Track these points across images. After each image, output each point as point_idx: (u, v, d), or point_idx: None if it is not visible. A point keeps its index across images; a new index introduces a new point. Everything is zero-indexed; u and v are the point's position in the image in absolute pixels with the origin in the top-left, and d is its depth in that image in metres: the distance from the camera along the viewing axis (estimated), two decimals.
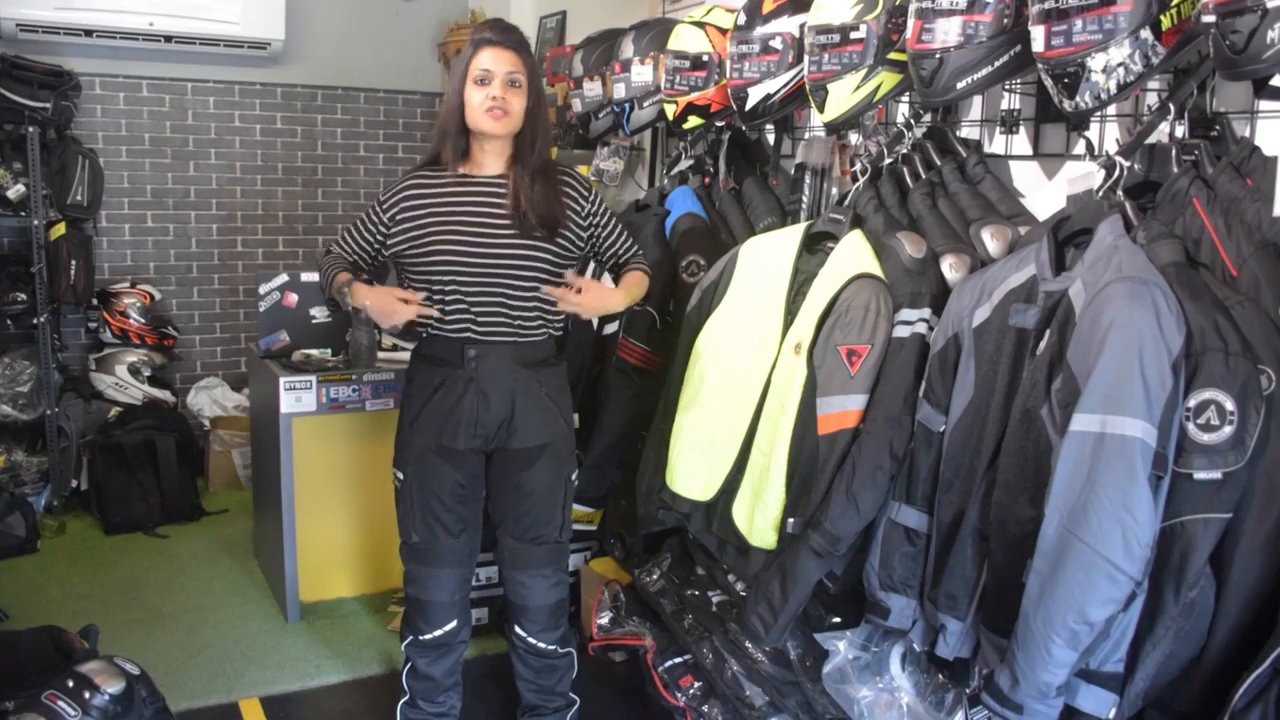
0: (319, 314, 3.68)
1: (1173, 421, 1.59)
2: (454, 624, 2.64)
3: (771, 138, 3.11)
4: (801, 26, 2.42)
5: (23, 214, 4.33)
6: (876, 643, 2.31)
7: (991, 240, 2.10)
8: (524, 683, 2.73)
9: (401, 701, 2.73)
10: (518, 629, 2.66)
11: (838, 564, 2.17)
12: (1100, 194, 1.93)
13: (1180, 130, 1.85)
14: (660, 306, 2.99)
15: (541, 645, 2.66)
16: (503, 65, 2.38)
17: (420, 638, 2.64)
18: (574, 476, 2.63)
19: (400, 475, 2.58)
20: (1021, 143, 2.32)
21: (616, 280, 2.64)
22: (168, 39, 4.76)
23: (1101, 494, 1.58)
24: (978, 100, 2.39)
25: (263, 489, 3.89)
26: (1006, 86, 2.17)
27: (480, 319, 2.45)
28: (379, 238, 2.55)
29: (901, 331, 2.10)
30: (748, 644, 2.57)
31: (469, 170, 2.49)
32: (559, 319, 2.58)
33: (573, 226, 2.50)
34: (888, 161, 2.46)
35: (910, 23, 2.03)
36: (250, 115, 5.23)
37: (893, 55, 2.20)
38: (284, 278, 3.65)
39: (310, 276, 3.67)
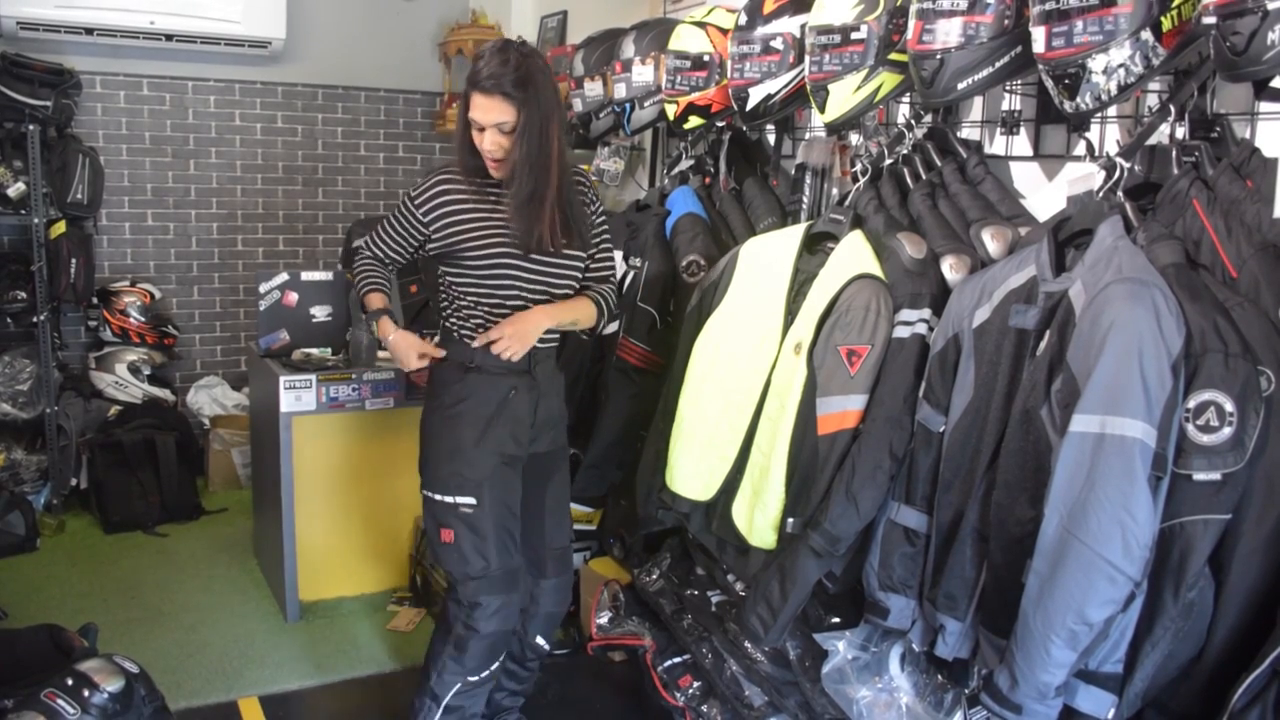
0: (319, 313, 3.68)
1: (1172, 422, 1.59)
2: (504, 652, 2.58)
3: (772, 138, 3.11)
4: (802, 27, 2.43)
5: (23, 212, 4.33)
6: (876, 643, 2.32)
7: (992, 241, 2.10)
8: (518, 687, 2.74)
9: None
10: (539, 640, 2.68)
11: (837, 564, 2.17)
12: (1100, 195, 1.93)
13: (1181, 131, 1.86)
14: (660, 306, 2.99)
15: (548, 648, 2.72)
16: (490, 115, 2.30)
17: (472, 678, 2.48)
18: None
19: (472, 501, 2.41)
20: (1022, 144, 2.32)
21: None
22: (168, 37, 4.76)
23: (1101, 494, 1.58)
24: (978, 101, 2.39)
25: (262, 488, 3.89)
26: (1007, 87, 2.17)
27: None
28: (417, 238, 2.49)
29: (901, 332, 2.11)
30: (747, 644, 2.57)
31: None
32: None
33: (593, 227, 2.54)
34: (888, 162, 2.46)
35: (911, 23, 2.03)
36: (251, 114, 5.23)
37: (894, 56, 2.21)
38: (284, 276, 3.65)
39: (311, 275, 3.68)
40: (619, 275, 3.13)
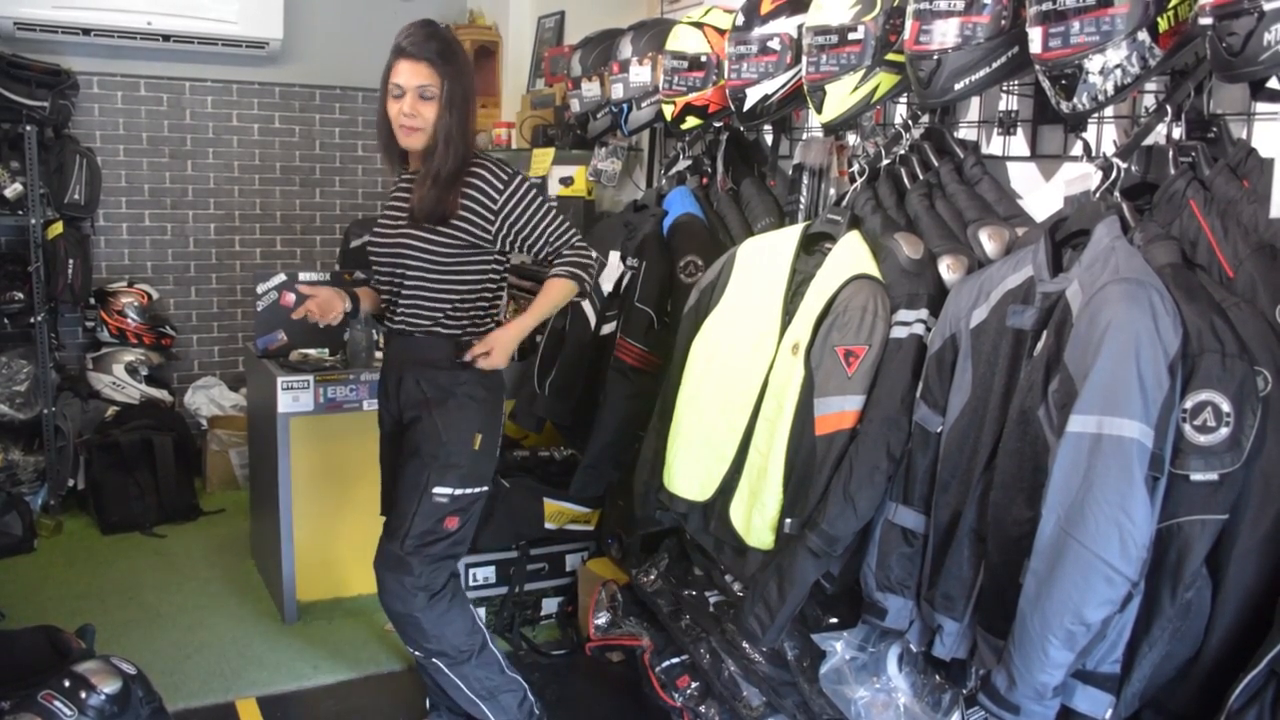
0: None
1: (1169, 423, 1.59)
2: None
3: (769, 138, 3.11)
4: (799, 27, 2.43)
5: (20, 213, 4.32)
6: (873, 643, 2.32)
7: (989, 241, 2.10)
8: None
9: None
10: None
11: (835, 564, 2.17)
12: (1098, 195, 1.93)
13: (1177, 132, 1.86)
14: (658, 306, 2.99)
15: (408, 647, 2.68)
16: (414, 79, 2.39)
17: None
18: (438, 490, 2.50)
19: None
20: (1019, 144, 2.32)
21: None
22: (166, 38, 4.76)
23: (1098, 495, 1.58)
24: (975, 101, 2.39)
25: (260, 488, 3.88)
26: (1004, 88, 2.17)
27: (387, 304, 2.60)
28: None
29: (899, 332, 2.11)
30: (745, 644, 2.58)
31: (411, 168, 2.57)
32: (460, 321, 2.55)
33: (471, 217, 2.46)
34: (885, 162, 2.46)
35: (908, 24, 2.03)
36: (248, 114, 5.23)
37: (891, 56, 2.21)
38: (281, 277, 3.65)
39: (308, 276, 3.69)
40: (602, 263, 3.11)
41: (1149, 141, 1.92)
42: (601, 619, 3.18)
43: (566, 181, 3.96)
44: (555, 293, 2.55)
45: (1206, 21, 1.52)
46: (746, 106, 2.61)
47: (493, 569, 3.39)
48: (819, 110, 2.34)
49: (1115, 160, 1.90)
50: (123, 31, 4.67)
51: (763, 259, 2.47)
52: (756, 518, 2.29)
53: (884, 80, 2.24)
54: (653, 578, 3.00)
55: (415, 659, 2.69)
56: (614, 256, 3.16)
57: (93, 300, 4.80)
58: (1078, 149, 2.12)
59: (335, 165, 5.45)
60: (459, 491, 2.52)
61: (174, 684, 3.02)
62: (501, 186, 2.46)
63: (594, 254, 2.59)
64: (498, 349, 2.51)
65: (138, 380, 4.84)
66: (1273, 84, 1.64)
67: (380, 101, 2.47)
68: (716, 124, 2.98)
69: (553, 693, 3.08)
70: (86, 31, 4.62)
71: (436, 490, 2.49)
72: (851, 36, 2.22)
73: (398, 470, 2.57)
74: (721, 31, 2.78)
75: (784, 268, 2.38)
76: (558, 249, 2.54)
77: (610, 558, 3.38)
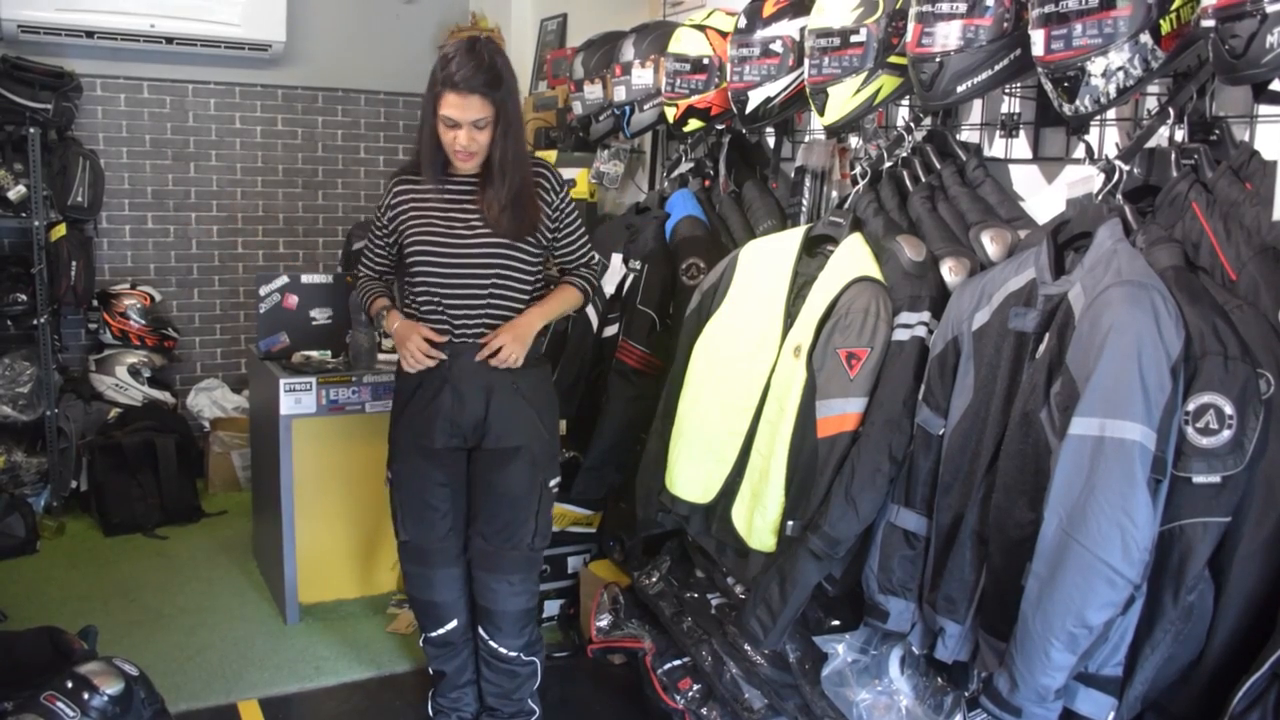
0: (319, 316, 3.68)
1: (1172, 425, 1.59)
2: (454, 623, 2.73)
3: (772, 141, 3.11)
4: (802, 30, 2.43)
5: (23, 215, 4.33)
6: (875, 646, 2.31)
7: (991, 244, 2.10)
8: (485, 683, 2.78)
9: (430, 690, 2.88)
10: (481, 631, 2.70)
11: (837, 567, 2.17)
12: (1100, 198, 1.93)
13: (1180, 134, 1.86)
14: (660, 309, 2.99)
15: (503, 650, 2.69)
16: (468, 114, 2.36)
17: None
18: (553, 483, 2.66)
19: (389, 473, 2.70)
20: (1021, 146, 2.32)
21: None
22: (169, 40, 4.77)
23: (1100, 497, 1.58)
24: (978, 104, 2.39)
25: (262, 490, 3.89)
26: (1006, 90, 2.17)
27: (456, 317, 2.51)
28: (390, 243, 2.65)
29: (901, 334, 2.11)
30: (746, 646, 2.58)
31: (449, 172, 2.53)
32: None
33: (545, 221, 2.54)
34: (887, 165, 2.47)
35: (910, 26, 2.04)
36: (251, 117, 5.23)
37: (893, 59, 2.21)
38: (284, 279, 3.65)
39: (310, 278, 3.69)
40: (608, 268, 3.14)
41: (1151, 144, 1.92)
42: (603, 621, 3.17)
43: (569, 184, 3.96)
44: (569, 297, 2.66)
45: (1209, 24, 1.52)
46: (749, 109, 2.61)
47: None
48: (821, 113, 2.34)
49: (1117, 163, 1.90)
50: (126, 34, 4.69)
51: (765, 261, 2.47)
52: (758, 520, 2.29)
53: (886, 83, 2.24)
54: (654, 580, 3.00)
55: (505, 667, 2.72)
56: (616, 259, 3.17)
57: (95, 302, 4.80)
58: (1080, 151, 2.11)
59: (337, 168, 5.45)
60: (559, 477, 2.69)
61: (176, 685, 3.02)
62: (558, 188, 2.56)
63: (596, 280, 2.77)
64: (513, 340, 2.48)
65: (140, 382, 4.84)
66: (1275, 86, 1.64)
67: (425, 121, 2.43)
68: (719, 126, 2.98)
69: (554, 695, 3.07)
70: (90, 34, 4.63)
71: (552, 483, 2.65)
72: (854, 39, 2.22)
73: (497, 478, 2.58)
74: (724, 34, 2.78)
75: (786, 270, 2.38)
76: (579, 264, 2.67)
77: (612, 560, 3.38)
